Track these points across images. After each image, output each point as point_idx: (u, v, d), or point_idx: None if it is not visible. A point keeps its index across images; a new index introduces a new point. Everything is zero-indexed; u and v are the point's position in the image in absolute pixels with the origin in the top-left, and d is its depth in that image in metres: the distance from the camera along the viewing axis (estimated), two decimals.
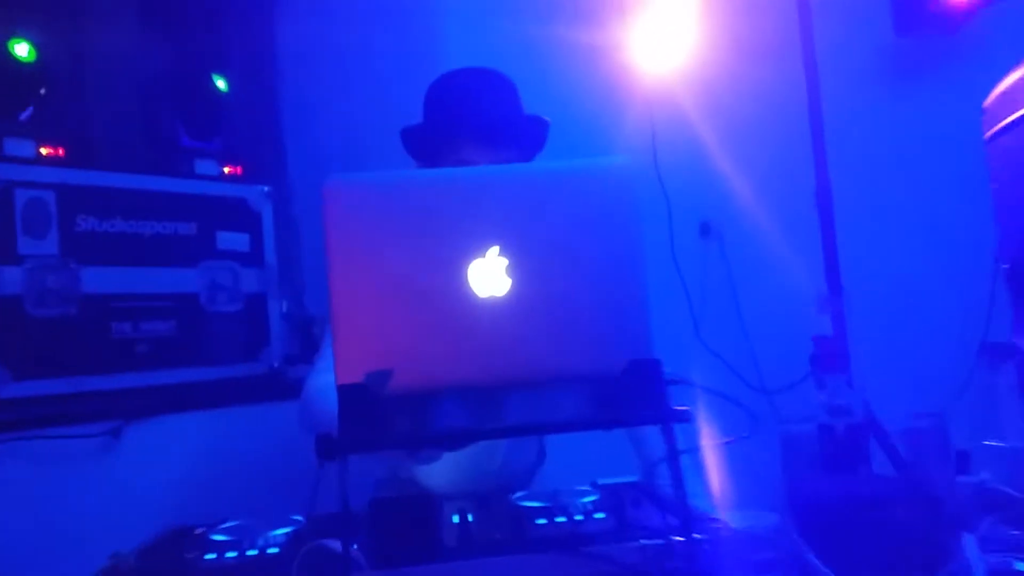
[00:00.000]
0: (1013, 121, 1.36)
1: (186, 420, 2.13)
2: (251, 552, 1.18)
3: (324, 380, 1.49)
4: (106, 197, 2.10)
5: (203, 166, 2.31)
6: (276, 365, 2.32)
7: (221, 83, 2.44)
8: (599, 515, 1.18)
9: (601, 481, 1.34)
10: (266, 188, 2.37)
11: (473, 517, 1.20)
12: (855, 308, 2.71)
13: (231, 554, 1.17)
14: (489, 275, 1.01)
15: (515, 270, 1.01)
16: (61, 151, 2.05)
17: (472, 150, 1.62)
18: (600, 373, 0.98)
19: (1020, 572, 1.11)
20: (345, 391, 0.95)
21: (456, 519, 1.20)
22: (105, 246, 2.08)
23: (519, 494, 1.33)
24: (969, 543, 1.13)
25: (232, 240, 2.28)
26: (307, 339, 2.50)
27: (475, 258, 1.01)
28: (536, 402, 0.99)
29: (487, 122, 1.64)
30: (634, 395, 0.95)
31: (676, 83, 3.18)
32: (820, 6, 2.70)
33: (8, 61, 2.03)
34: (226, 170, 2.37)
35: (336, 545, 1.06)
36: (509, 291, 1.01)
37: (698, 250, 3.38)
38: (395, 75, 2.83)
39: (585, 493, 1.29)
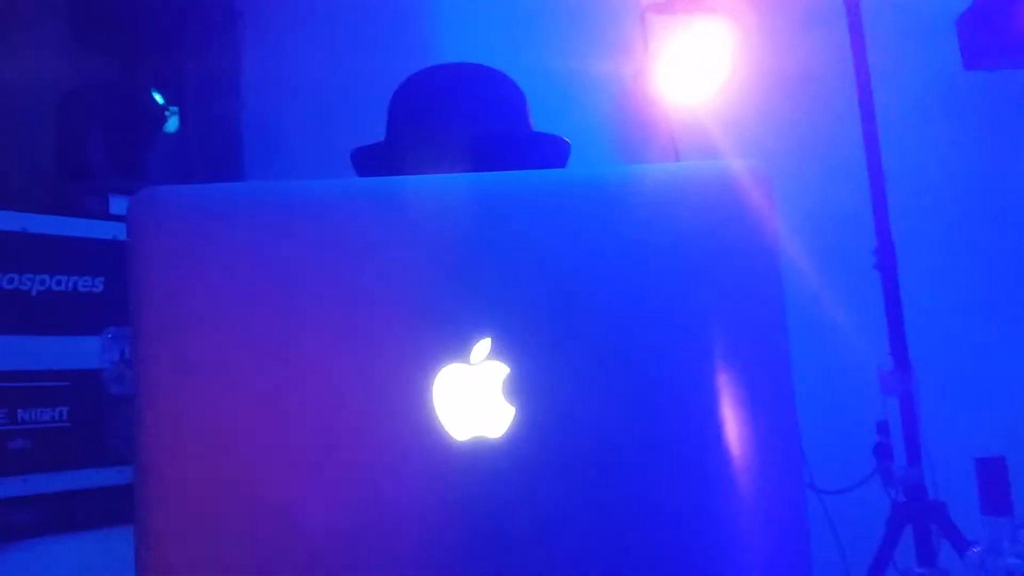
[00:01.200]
0: None
1: (76, 541, 1.60)
2: None
3: None
4: None
5: (121, 203, 1.81)
6: None
7: (159, 98, 1.96)
8: None
9: None
10: None
11: None
12: (924, 386, 2.33)
13: None
14: (473, 397, 0.50)
15: (525, 386, 0.50)
16: None
17: None
18: None
19: None
20: None
21: None
22: None
23: None
24: None
25: None
26: None
27: (446, 363, 0.50)
28: None
29: (477, 138, 1.10)
30: None
31: (705, 116, 2.82)
32: (875, 35, 2.38)
33: None
34: None
35: None
36: (511, 429, 0.50)
37: None
38: (376, 106, 2.41)
39: None
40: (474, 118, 1.12)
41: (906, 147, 2.54)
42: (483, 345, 0.51)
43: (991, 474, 0.96)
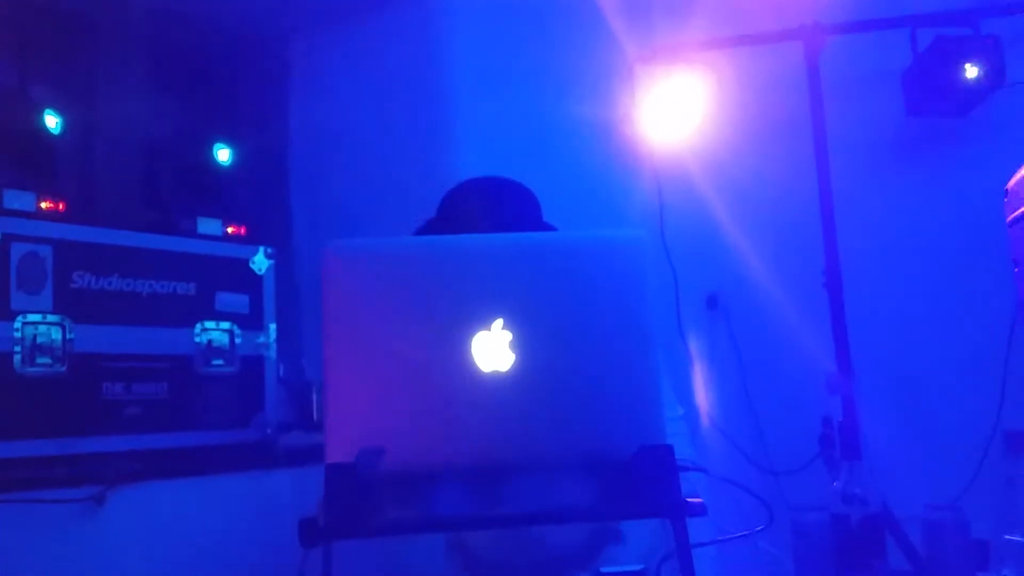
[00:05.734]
0: None
1: (173, 487, 2.04)
2: None
3: None
4: (104, 254, 2.05)
5: (206, 225, 2.27)
6: (269, 432, 2.25)
7: (224, 152, 2.42)
8: None
9: (605, 570, 1.27)
10: (269, 249, 2.33)
11: None
12: (865, 390, 2.63)
13: None
14: (493, 349, 0.96)
15: (520, 344, 0.96)
16: (62, 206, 2.02)
17: None
18: (607, 458, 0.92)
19: None
20: (333, 471, 0.89)
21: None
22: (100, 304, 2.03)
23: None
24: None
25: (231, 301, 2.23)
26: (304, 406, 2.44)
27: (479, 331, 0.96)
28: (538, 487, 0.93)
29: (504, 225, 1.68)
30: (643, 483, 0.89)
31: (685, 155, 3.16)
32: (831, 84, 2.68)
33: (39, 133, 2.03)
34: (230, 230, 2.33)
35: None
36: (513, 366, 0.96)
37: (705, 322, 3.33)
38: (404, 149, 2.83)
39: None
40: (505, 211, 1.73)
41: (854, 182, 2.74)
42: (499, 322, 0.97)
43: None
